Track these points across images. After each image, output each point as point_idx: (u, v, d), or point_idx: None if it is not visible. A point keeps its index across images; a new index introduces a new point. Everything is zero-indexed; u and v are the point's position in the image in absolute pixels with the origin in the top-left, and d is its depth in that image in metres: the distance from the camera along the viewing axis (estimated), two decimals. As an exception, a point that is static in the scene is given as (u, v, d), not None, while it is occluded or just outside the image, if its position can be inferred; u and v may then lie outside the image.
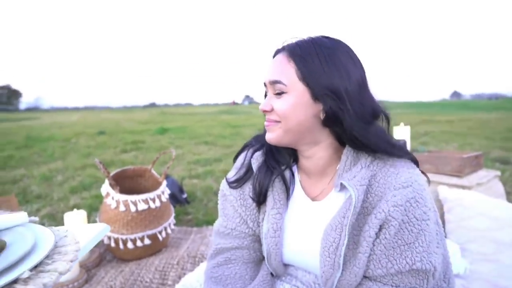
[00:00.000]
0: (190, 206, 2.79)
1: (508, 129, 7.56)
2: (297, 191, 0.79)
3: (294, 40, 0.73)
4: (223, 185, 0.86)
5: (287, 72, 0.69)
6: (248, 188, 0.81)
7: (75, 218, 1.76)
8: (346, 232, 0.65)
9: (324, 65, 0.68)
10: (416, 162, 0.74)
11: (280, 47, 0.74)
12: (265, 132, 0.78)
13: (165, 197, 1.95)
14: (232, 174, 0.84)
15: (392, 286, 0.66)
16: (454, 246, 1.44)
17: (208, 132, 8.75)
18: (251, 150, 0.84)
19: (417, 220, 0.64)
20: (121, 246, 1.80)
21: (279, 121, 0.71)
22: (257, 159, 0.79)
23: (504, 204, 1.54)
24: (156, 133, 8.64)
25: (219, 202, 0.88)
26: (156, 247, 1.93)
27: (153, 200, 1.85)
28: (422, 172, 0.72)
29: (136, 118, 16.51)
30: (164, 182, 2.01)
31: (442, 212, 1.61)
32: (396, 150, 0.70)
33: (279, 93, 0.70)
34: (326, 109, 0.68)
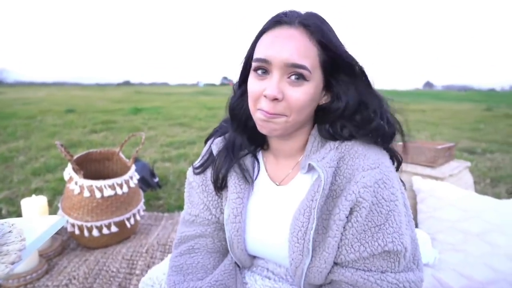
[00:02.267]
0: (162, 191, 2.70)
1: (475, 120, 7.89)
2: (261, 176, 0.76)
3: (297, 13, 0.63)
4: (189, 172, 0.83)
5: (310, 54, 0.61)
6: (210, 173, 0.77)
7: (33, 205, 1.63)
8: (314, 215, 0.62)
9: (341, 47, 0.63)
10: (395, 157, 0.71)
11: (284, 17, 0.62)
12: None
13: (133, 183, 1.85)
14: (197, 161, 0.81)
15: (364, 270, 0.64)
16: (425, 236, 1.46)
17: (184, 113, 8.54)
18: (218, 135, 0.80)
19: (386, 201, 0.62)
20: (85, 233, 1.70)
21: (285, 115, 0.62)
22: (217, 145, 0.75)
23: (473, 195, 1.57)
24: (129, 113, 8.32)
25: (185, 190, 0.85)
26: (124, 234, 1.84)
27: (120, 185, 1.75)
28: (395, 156, 0.71)
29: (108, 96, 15.83)
30: (133, 167, 1.91)
31: (415, 202, 1.63)
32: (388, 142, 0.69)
33: (298, 80, 0.60)
34: (346, 99, 0.64)
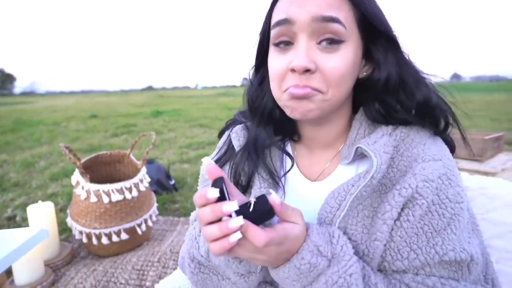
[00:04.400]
0: (178, 194, 2.58)
1: (513, 110, 7.33)
2: (292, 172, 0.61)
3: None
4: (203, 167, 0.69)
5: (342, 8, 0.47)
6: (228, 168, 0.63)
7: (40, 211, 1.54)
8: (348, 202, 0.49)
9: (375, 4, 0.50)
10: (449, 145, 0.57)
11: None
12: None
13: (144, 186, 1.72)
14: (213, 154, 0.68)
15: (424, 275, 0.51)
16: (477, 242, 1.24)
17: (204, 115, 8.48)
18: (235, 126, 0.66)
19: (451, 202, 0.49)
20: (94, 241, 1.59)
21: (321, 91, 0.49)
22: (237, 133, 0.62)
23: (533, 192, 1.33)
24: (150, 116, 8.37)
25: (198, 187, 0.70)
26: (135, 241, 1.72)
27: (129, 189, 1.63)
28: (449, 143, 0.57)
29: (131, 101, 16.16)
30: (144, 169, 1.79)
31: (461, 202, 1.40)
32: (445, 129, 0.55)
33: (333, 42, 0.47)
34: (387, 68, 0.51)
